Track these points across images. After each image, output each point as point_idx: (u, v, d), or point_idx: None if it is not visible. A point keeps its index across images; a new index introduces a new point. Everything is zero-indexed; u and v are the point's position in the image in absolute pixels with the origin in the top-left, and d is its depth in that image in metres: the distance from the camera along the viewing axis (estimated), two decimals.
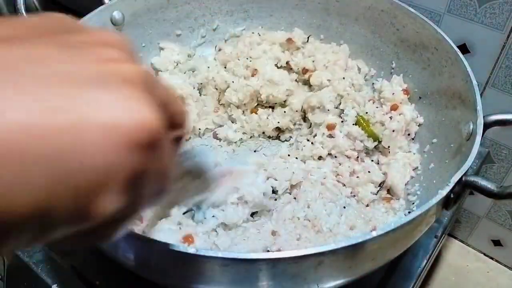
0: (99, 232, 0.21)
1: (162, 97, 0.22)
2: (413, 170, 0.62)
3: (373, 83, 0.72)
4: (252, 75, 0.69)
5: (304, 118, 0.69)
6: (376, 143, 0.63)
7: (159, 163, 0.21)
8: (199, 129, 0.70)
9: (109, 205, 0.19)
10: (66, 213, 0.18)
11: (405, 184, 0.61)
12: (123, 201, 0.19)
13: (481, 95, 0.54)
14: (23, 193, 0.16)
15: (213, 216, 0.54)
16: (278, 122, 0.68)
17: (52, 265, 0.60)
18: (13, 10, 0.63)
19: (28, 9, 0.63)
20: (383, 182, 0.60)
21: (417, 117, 0.64)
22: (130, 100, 0.19)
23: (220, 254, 0.37)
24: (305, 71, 0.71)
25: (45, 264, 0.60)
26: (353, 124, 0.64)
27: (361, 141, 0.63)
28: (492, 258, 0.87)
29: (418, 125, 0.65)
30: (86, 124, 0.17)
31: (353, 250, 0.39)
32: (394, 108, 0.64)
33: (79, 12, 0.54)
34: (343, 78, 0.68)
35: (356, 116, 0.64)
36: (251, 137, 0.70)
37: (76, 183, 0.17)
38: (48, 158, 0.16)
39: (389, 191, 0.61)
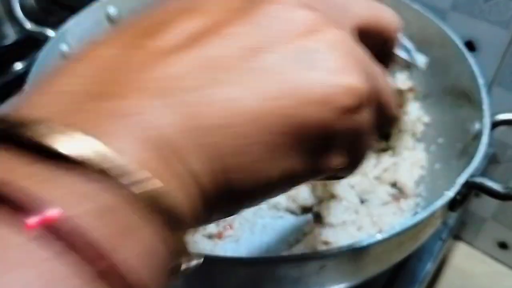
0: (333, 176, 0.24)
1: (366, 64, 0.21)
2: (420, 169, 0.61)
3: None
4: None
5: None
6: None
7: (367, 124, 0.21)
8: None
9: (334, 161, 0.21)
10: (302, 172, 0.20)
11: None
12: (344, 155, 0.21)
13: (487, 94, 0.54)
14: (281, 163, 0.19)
15: None
16: None
17: None
18: (6, 6, 0.62)
19: (23, 6, 0.63)
20: (395, 183, 0.59)
21: (423, 116, 0.63)
22: (340, 74, 0.19)
23: (218, 256, 0.37)
24: None
25: None
26: None
27: None
28: (498, 261, 0.86)
29: (424, 125, 0.64)
30: (306, 102, 0.18)
31: (357, 254, 0.39)
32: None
33: (76, 7, 0.54)
34: None
35: None
36: None
37: (308, 147, 0.19)
38: (288, 129, 0.18)
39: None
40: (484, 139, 0.46)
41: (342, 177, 0.25)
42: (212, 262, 0.37)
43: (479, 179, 0.44)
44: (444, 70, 0.60)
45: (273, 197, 0.21)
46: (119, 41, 0.19)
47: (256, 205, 0.21)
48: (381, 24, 0.24)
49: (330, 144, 0.20)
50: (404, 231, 0.39)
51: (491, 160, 0.75)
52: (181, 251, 0.17)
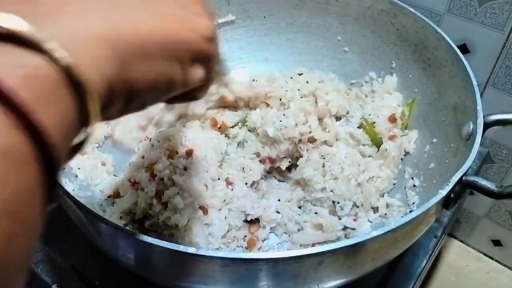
0: (192, 93, 0.34)
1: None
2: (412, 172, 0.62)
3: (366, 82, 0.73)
4: None
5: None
6: (377, 149, 0.64)
7: (217, 49, 0.34)
8: None
9: (196, 74, 0.31)
10: (178, 80, 0.30)
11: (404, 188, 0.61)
12: (203, 72, 0.32)
13: (481, 95, 0.54)
14: (157, 68, 0.27)
15: None
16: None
17: (52, 265, 0.60)
18: None
19: None
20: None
21: (409, 143, 0.65)
22: (200, 16, 0.31)
23: (220, 254, 0.37)
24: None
25: (45, 264, 0.60)
26: (357, 127, 0.65)
27: (364, 145, 0.64)
28: (492, 258, 0.87)
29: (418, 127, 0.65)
30: (185, 28, 0.29)
31: (353, 250, 0.39)
32: (392, 120, 0.64)
33: None
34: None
35: (360, 119, 0.65)
36: None
37: (181, 58, 0.29)
38: (175, 45, 0.28)
39: None
40: (478, 139, 0.47)
41: (198, 97, 0.36)
42: (213, 260, 0.37)
43: (473, 178, 0.45)
44: (439, 72, 0.61)
45: (157, 99, 0.30)
46: None
47: (143, 106, 0.29)
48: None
49: (196, 59, 0.31)
50: (399, 228, 0.39)
51: (485, 159, 0.76)
52: (87, 121, 0.22)
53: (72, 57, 0.20)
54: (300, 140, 0.63)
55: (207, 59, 0.32)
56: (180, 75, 0.29)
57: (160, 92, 0.29)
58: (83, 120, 0.22)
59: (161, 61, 0.27)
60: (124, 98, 0.26)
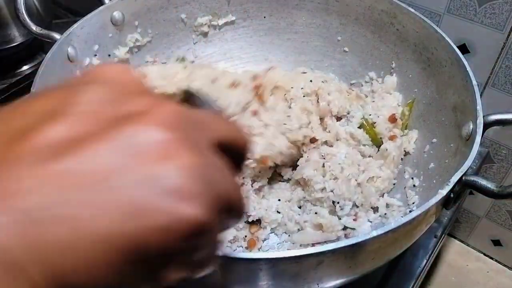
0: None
1: (217, 180, 0.22)
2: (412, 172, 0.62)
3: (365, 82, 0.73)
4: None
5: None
6: (377, 149, 0.64)
7: (209, 241, 0.22)
8: None
9: (173, 275, 0.22)
10: (144, 285, 0.21)
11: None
12: (183, 272, 0.22)
13: (481, 95, 0.54)
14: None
15: None
16: None
17: None
18: (13, 10, 0.63)
19: (28, 9, 0.63)
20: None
21: (409, 143, 0.65)
22: (186, 202, 0.20)
23: (219, 253, 0.37)
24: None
25: None
26: (358, 127, 0.65)
27: (364, 145, 0.64)
28: (492, 258, 0.87)
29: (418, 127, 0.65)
30: (149, 228, 0.19)
31: (353, 250, 0.39)
32: (392, 120, 0.64)
33: (79, 13, 0.54)
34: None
35: (361, 119, 0.65)
36: None
37: (148, 265, 0.20)
38: (130, 251, 0.19)
39: None
40: (478, 138, 0.47)
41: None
42: None
43: (473, 178, 0.45)
44: (439, 72, 0.61)
45: None
46: None
47: None
48: (235, 138, 0.26)
49: (169, 262, 0.21)
50: (399, 228, 0.39)
51: (485, 159, 0.76)
52: None
53: None
54: (303, 144, 0.63)
55: (188, 258, 0.22)
56: (142, 281, 0.21)
57: None
58: None
59: (108, 272, 0.19)
60: None
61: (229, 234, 0.57)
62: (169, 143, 0.20)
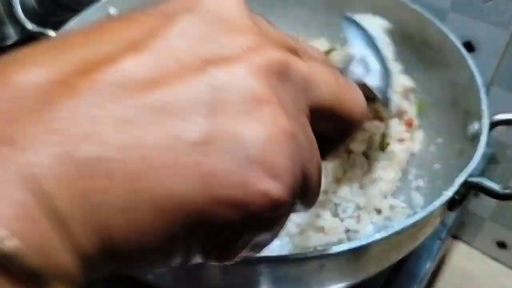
0: None
1: (305, 160, 0.18)
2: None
3: None
4: None
5: None
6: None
7: (278, 223, 0.20)
8: None
9: (232, 253, 0.19)
10: (194, 258, 0.19)
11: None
12: (239, 250, 0.19)
13: (486, 94, 0.54)
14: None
15: None
16: None
17: None
18: (8, 7, 0.63)
19: (24, 6, 0.63)
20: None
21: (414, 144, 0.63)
22: (267, 176, 0.17)
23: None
24: None
25: None
26: None
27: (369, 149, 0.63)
28: (497, 260, 0.86)
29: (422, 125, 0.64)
30: (219, 201, 0.17)
31: (356, 253, 0.39)
32: (408, 124, 0.63)
33: (76, 9, 0.54)
34: None
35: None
36: None
37: (209, 235, 0.18)
38: (192, 223, 0.17)
39: None
40: (483, 139, 0.47)
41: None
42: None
43: (478, 179, 0.44)
44: (443, 70, 0.60)
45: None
46: (48, 68, 0.16)
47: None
48: (343, 109, 0.21)
49: (230, 239, 0.18)
50: (403, 230, 0.39)
51: (490, 160, 0.75)
52: None
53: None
54: None
55: (251, 237, 0.19)
56: (193, 255, 0.19)
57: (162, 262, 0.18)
58: None
59: (160, 240, 0.17)
60: (107, 265, 0.17)
61: None
62: (261, 100, 0.17)
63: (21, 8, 0.62)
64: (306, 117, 0.19)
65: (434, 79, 0.62)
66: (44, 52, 0.17)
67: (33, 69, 0.16)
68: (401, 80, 0.68)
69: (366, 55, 0.29)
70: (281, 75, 0.18)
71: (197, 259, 0.19)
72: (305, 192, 0.19)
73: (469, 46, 0.67)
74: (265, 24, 0.22)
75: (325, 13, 0.73)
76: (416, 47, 0.65)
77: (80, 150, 0.14)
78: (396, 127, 0.63)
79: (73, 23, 0.61)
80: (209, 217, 0.16)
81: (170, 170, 0.15)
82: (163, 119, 0.16)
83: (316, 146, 0.20)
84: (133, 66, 0.16)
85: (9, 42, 0.86)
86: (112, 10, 0.66)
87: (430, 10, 0.68)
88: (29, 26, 0.62)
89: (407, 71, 0.67)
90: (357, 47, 0.32)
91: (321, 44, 0.74)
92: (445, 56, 0.59)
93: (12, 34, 0.85)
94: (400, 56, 0.68)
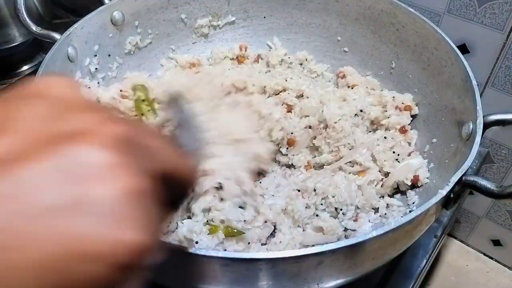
0: None
1: (154, 212, 0.21)
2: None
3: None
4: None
5: None
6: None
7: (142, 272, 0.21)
8: None
9: None
10: None
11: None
12: None
13: (481, 95, 0.54)
14: None
15: None
16: None
17: None
18: (13, 10, 0.63)
19: (28, 9, 0.63)
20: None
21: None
22: (122, 227, 0.19)
23: (220, 254, 0.37)
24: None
25: None
26: None
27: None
28: (492, 258, 0.87)
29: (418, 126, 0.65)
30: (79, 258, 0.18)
31: (353, 250, 0.39)
32: (402, 131, 0.64)
33: (79, 13, 0.54)
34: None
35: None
36: None
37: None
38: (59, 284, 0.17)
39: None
40: (477, 139, 0.47)
41: None
42: (213, 259, 0.38)
43: (473, 178, 0.45)
44: (439, 72, 0.61)
45: None
46: None
47: None
48: (180, 172, 0.25)
49: None
50: (398, 228, 0.39)
51: (485, 159, 0.76)
52: None
53: None
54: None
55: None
56: None
57: None
58: None
59: None
60: None
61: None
62: (109, 166, 0.19)
63: (27, 11, 0.63)
64: (152, 177, 0.21)
65: (429, 80, 0.63)
66: None
67: None
68: (401, 98, 0.68)
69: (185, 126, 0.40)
70: (127, 144, 0.20)
71: None
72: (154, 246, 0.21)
73: (464, 48, 0.68)
74: (101, 105, 0.25)
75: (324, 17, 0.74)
76: (412, 49, 0.66)
77: None
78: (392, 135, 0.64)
79: (78, 26, 0.62)
80: (78, 274, 0.18)
81: (31, 236, 0.17)
82: (24, 191, 0.17)
83: (163, 199, 0.22)
84: None
85: (14, 44, 0.86)
86: (116, 14, 0.67)
87: (426, 13, 0.69)
88: (34, 28, 0.63)
89: (403, 72, 0.68)
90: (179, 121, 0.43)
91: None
92: (441, 58, 0.60)
93: (18, 37, 0.86)
94: (396, 57, 0.69)
